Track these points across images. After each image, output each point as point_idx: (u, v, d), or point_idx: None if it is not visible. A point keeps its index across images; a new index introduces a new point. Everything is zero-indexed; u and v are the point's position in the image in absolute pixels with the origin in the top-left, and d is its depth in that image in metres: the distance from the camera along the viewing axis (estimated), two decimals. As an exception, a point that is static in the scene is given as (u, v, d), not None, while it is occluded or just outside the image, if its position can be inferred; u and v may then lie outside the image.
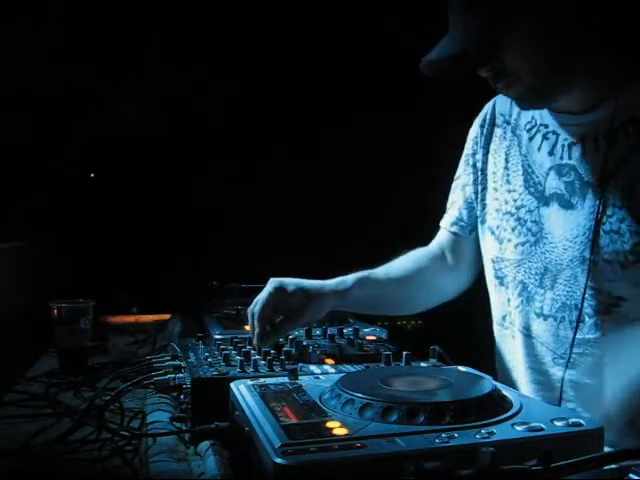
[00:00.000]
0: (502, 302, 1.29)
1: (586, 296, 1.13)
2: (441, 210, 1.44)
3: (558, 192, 1.18)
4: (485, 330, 1.40)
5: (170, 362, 1.14)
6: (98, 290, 1.73)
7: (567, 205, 1.16)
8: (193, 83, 2.41)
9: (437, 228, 1.45)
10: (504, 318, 1.30)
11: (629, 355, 1.11)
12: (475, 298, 1.45)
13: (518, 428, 0.74)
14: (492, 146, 1.33)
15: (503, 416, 0.77)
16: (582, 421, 0.75)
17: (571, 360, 1.15)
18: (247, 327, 1.25)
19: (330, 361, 1.13)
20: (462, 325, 1.48)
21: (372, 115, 2.50)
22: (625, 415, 1.11)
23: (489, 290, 1.35)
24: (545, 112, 1.22)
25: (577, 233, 1.14)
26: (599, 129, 1.12)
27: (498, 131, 1.32)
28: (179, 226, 2.46)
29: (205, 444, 0.92)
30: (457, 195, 1.41)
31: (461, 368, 1.04)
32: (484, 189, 1.34)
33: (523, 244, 1.23)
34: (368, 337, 1.35)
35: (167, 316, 2.02)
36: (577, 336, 1.14)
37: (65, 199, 2.34)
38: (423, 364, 1.12)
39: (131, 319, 2.12)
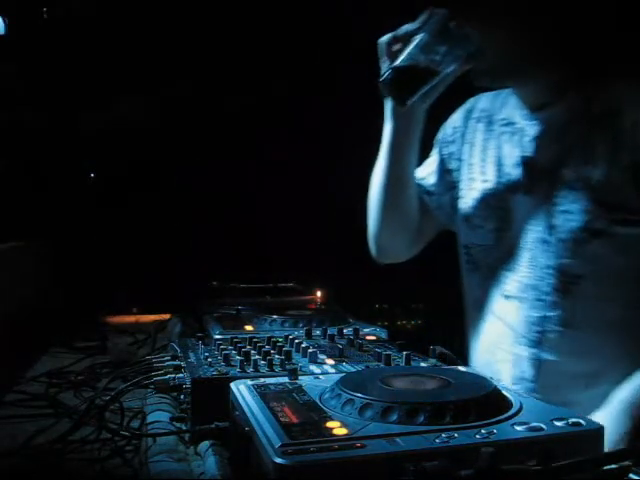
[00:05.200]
0: (473, 286, 1.40)
1: (545, 276, 1.23)
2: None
3: (522, 180, 1.29)
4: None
5: (170, 362, 1.14)
6: (98, 290, 1.73)
7: (528, 191, 1.27)
8: (192, 82, 2.41)
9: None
10: (475, 301, 1.39)
11: (587, 334, 1.20)
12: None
13: (518, 428, 0.74)
14: (469, 138, 1.44)
15: (503, 416, 0.77)
16: (582, 421, 0.75)
17: (533, 339, 1.25)
18: (247, 327, 1.25)
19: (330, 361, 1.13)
20: (462, 325, 1.48)
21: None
22: (587, 394, 1.17)
23: (462, 276, 1.45)
24: (514, 111, 1.34)
25: (536, 216, 1.25)
26: (553, 124, 1.25)
27: (479, 125, 1.43)
28: (179, 226, 2.46)
29: (205, 444, 0.92)
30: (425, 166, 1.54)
31: (461, 368, 1.04)
32: (459, 180, 1.44)
33: (492, 230, 1.34)
34: (368, 337, 1.35)
35: (167, 316, 2.02)
36: (538, 315, 1.24)
37: (65, 199, 2.34)
38: (423, 364, 1.12)
39: (131, 319, 2.12)
